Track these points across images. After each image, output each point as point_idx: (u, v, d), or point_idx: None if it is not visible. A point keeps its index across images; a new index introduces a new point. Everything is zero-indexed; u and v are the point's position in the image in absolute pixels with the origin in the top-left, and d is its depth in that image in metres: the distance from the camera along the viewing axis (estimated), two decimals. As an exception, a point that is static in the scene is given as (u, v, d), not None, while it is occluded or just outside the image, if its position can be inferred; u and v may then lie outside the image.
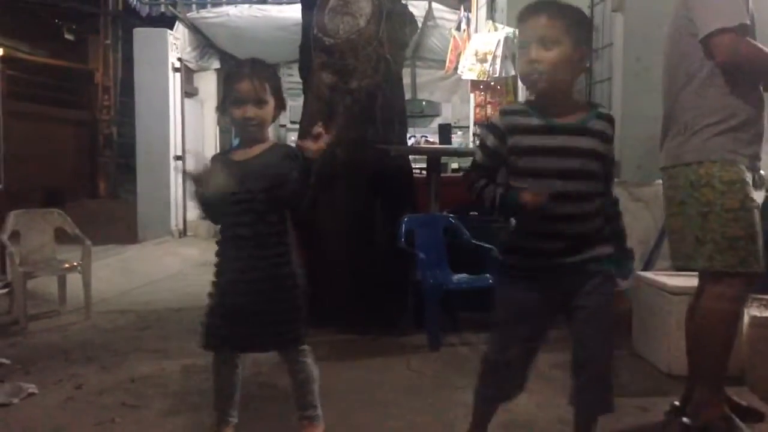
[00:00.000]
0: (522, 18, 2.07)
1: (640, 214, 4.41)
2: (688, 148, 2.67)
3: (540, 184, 2.01)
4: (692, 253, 2.66)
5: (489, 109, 7.58)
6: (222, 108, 2.53)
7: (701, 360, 2.75)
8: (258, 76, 2.44)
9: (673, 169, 2.74)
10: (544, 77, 2.00)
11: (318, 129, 2.37)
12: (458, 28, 8.62)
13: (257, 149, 2.49)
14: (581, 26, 2.07)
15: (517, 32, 6.83)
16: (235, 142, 10.06)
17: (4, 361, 3.76)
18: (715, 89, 2.62)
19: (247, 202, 2.39)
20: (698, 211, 2.63)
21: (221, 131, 10.81)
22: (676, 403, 2.89)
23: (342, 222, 4.30)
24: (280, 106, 2.53)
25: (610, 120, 2.17)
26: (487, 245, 4.21)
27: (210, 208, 2.48)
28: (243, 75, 2.45)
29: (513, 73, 6.98)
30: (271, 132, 2.77)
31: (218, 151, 10.48)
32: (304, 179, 2.38)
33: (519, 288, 2.13)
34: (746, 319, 3.41)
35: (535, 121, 2.05)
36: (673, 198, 2.75)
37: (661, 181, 4.31)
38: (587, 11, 5.44)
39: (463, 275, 4.25)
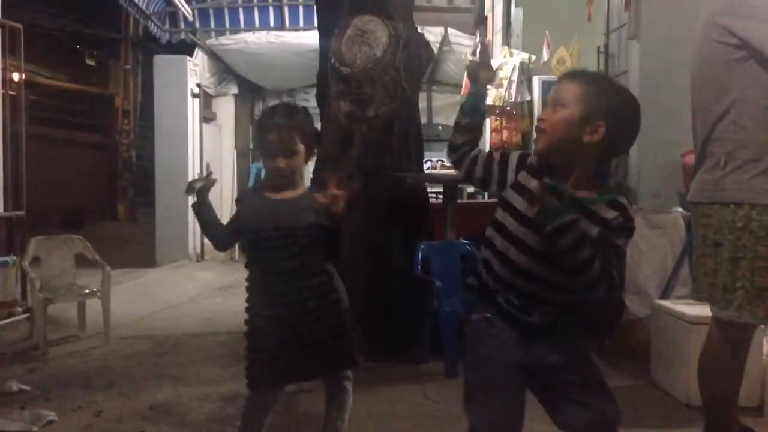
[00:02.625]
0: (558, 81, 2.01)
1: (658, 241, 4.39)
2: (726, 185, 2.50)
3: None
4: (720, 299, 2.54)
5: (505, 134, 7.62)
6: (254, 153, 2.58)
7: (709, 387, 2.72)
8: (287, 127, 2.45)
9: (709, 207, 2.57)
10: (544, 138, 1.90)
11: (334, 192, 2.36)
12: (474, 54, 8.68)
13: (292, 194, 2.50)
14: (602, 98, 1.87)
15: (533, 58, 6.88)
16: (253, 168, 10.11)
17: (24, 387, 3.80)
18: (758, 121, 2.46)
19: (290, 237, 2.41)
20: (731, 255, 2.49)
21: (239, 156, 10.91)
22: None
23: (359, 249, 4.31)
24: (312, 149, 2.55)
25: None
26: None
27: (210, 233, 2.59)
28: (272, 126, 2.46)
29: (528, 98, 7.03)
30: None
31: (236, 174, 10.58)
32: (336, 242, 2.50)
33: (492, 343, 1.96)
34: (765, 348, 3.39)
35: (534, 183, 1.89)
36: (707, 237, 2.59)
37: (679, 209, 4.35)
38: (602, 38, 5.48)
39: (480, 303, 4.24)
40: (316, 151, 2.66)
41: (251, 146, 11.01)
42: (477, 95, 2.11)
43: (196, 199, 2.55)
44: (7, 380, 3.84)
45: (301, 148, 2.48)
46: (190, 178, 8.87)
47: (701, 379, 2.72)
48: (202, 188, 2.52)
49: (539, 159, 1.95)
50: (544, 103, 6.83)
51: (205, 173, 2.58)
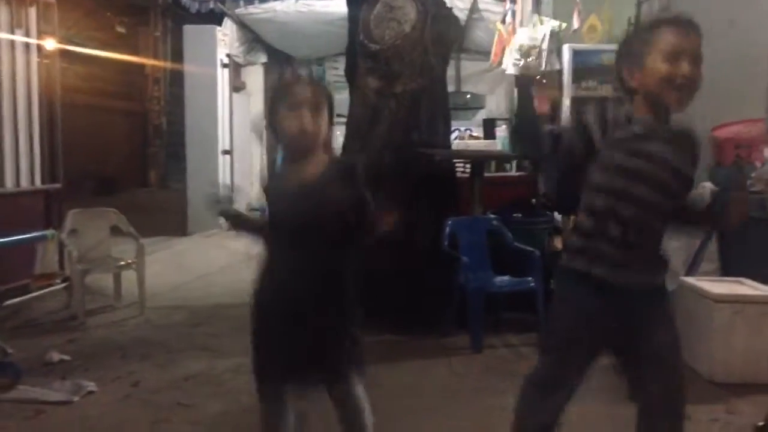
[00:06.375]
0: (674, 25, 1.91)
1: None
2: None
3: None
4: None
5: (535, 103, 7.56)
6: (270, 120, 2.23)
7: None
8: (314, 84, 2.27)
9: None
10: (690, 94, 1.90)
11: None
12: (503, 21, 8.59)
13: (313, 167, 2.16)
14: None
15: (563, 26, 6.77)
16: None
17: (64, 357, 3.95)
18: None
19: (305, 231, 2.12)
20: None
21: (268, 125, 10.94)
22: (761, 423, 2.87)
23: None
24: (331, 124, 2.24)
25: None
26: (529, 248, 4.26)
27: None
28: (298, 80, 2.42)
29: (558, 67, 6.96)
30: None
31: (265, 144, 10.64)
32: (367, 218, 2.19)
33: (578, 300, 1.96)
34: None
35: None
36: None
37: (708, 183, 4.33)
38: (633, 8, 5.41)
39: (506, 278, 4.31)
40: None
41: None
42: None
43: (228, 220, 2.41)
44: (48, 350, 4.00)
45: (325, 113, 2.16)
46: (221, 149, 8.92)
47: None
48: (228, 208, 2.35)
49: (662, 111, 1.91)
50: (577, 73, 6.63)
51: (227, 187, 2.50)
